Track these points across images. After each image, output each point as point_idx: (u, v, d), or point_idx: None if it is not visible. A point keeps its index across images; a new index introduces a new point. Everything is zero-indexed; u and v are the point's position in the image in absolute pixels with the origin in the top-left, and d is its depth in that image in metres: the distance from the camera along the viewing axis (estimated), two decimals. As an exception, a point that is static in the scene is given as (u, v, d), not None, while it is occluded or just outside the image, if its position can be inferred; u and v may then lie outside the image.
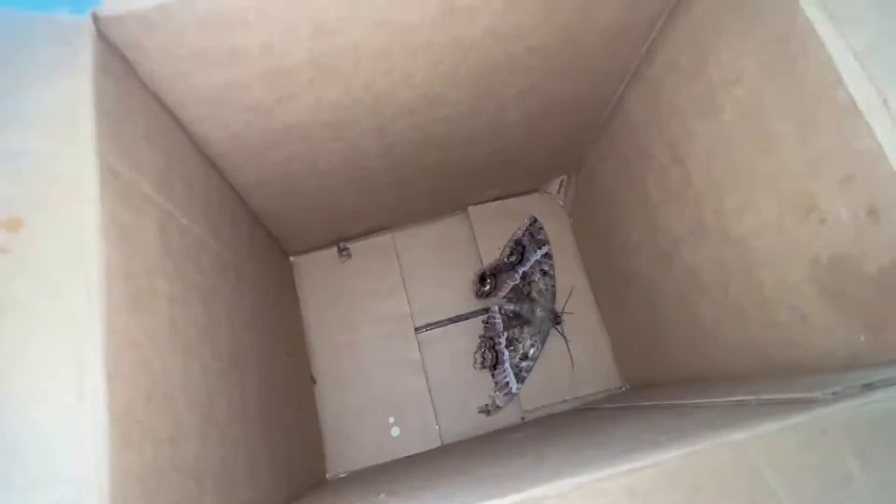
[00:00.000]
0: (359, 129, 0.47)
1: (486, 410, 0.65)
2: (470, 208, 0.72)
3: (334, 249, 0.71)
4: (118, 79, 0.30)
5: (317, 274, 0.70)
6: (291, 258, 0.70)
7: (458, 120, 0.50)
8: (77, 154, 0.25)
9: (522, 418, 0.65)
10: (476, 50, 0.41)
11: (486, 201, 0.73)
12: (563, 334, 0.67)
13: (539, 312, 0.68)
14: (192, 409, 0.29)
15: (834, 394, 0.24)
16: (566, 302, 0.69)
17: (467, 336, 0.69)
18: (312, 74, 0.39)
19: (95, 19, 0.28)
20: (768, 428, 0.22)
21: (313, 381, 0.66)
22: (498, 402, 0.65)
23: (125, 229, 0.27)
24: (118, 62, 0.31)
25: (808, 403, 0.24)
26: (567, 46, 0.44)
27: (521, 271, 0.69)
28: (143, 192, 0.30)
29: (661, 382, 0.59)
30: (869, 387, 0.24)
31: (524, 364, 0.66)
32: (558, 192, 0.73)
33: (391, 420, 0.65)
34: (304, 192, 0.55)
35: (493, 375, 0.66)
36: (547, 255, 0.70)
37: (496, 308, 0.68)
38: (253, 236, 0.52)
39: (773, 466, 0.20)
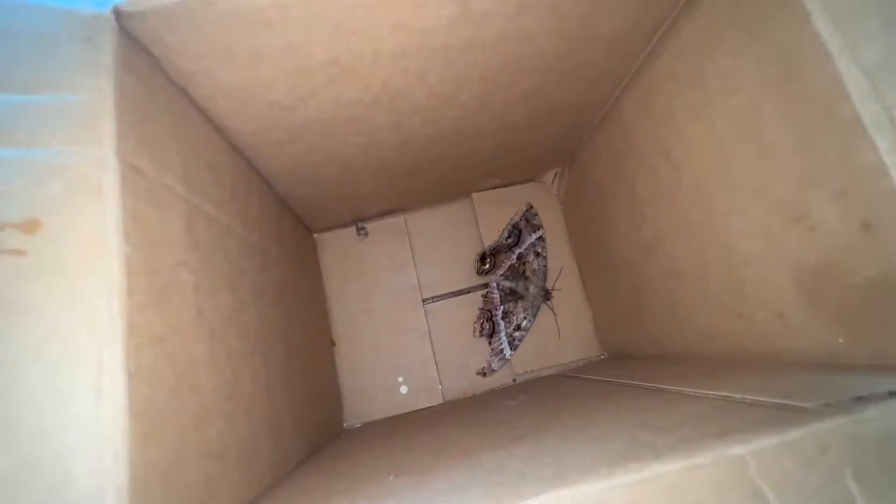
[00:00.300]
0: (376, 124, 0.43)
1: (483, 373, 0.63)
2: (474, 195, 0.68)
3: (353, 228, 0.67)
4: (143, 75, 0.26)
5: (337, 250, 0.67)
6: (315, 235, 0.67)
7: (468, 117, 0.46)
8: (97, 153, 0.21)
9: (514, 380, 0.63)
10: (487, 52, 0.37)
11: (488, 189, 0.69)
12: (552, 309, 0.65)
13: (532, 289, 0.65)
14: (218, 391, 0.27)
15: (826, 405, 0.21)
16: (556, 280, 0.66)
17: (468, 308, 0.66)
18: (332, 73, 0.34)
19: (117, 14, 0.24)
20: (766, 443, 0.19)
21: (333, 343, 0.63)
22: (493, 365, 0.63)
23: (149, 226, 0.23)
24: (142, 58, 0.26)
25: (800, 413, 0.21)
26: (572, 51, 0.40)
27: (517, 252, 0.66)
28: (168, 187, 0.26)
29: (637, 355, 0.56)
30: (861, 400, 0.21)
31: (517, 334, 0.64)
32: (553, 182, 0.69)
33: (400, 379, 0.62)
34: (325, 179, 0.51)
35: (489, 343, 0.64)
36: (541, 239, 0.66)
37: (494, 284, 0.65)
38: (279, 218, 0.49)
39: (776, 488, 0.17)
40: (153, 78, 0.28)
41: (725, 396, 0.27)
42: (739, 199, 0.35)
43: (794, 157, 0.29)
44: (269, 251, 0.42)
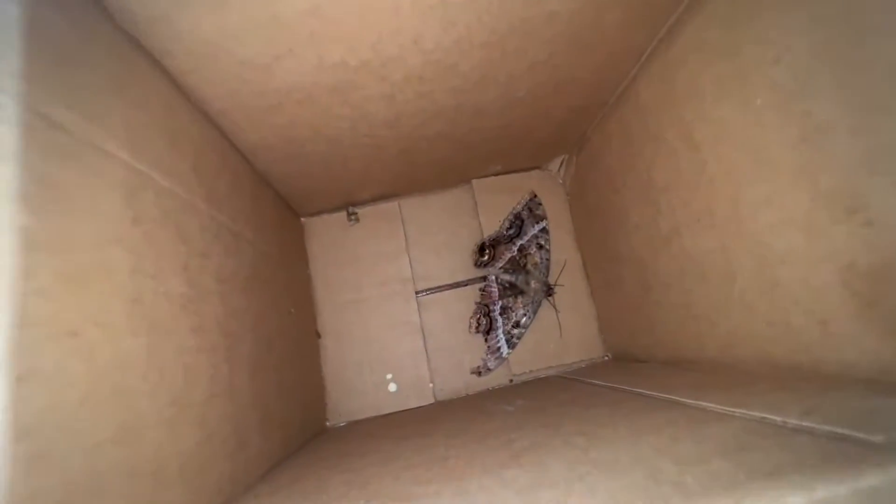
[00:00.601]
0: (365, 94, 0.38)
1: (478, 372, 0.59)
2: (474, 181, 0.64)
3: (343, 213, 0.63)
4: (73, 14, 0.22)
5: (326, 235, 0.62)
6: (302, 219, 0.62)
7: (468, 91, 0.41)
8: (-7, 97, 0.17)
9: (511, 380, 0.59)
10: (492, 12, 0.32)
11: (490, 175, 0.64)
12: (554, 305, 0.60)
13: (533, 284, 0.60)
14: (157, 395, 0.22)
15: (902, 440, 0.17)
16: (559, 275, 0.61)
17: (464, 302, 0.61)
18: (313, 28, 0.30)
19: (32, -70, 0.19)
20: (835, 492, 0.15)
21: (318, 335, 0.59)
22: (489, 364, 0.59)
23: (66, 193, 0.19)
24: (74, -8, 0.22)
25: (870, 450, 0.17)
26: (588, 15, 0.35)
27: (518, 244, 0.62)
28: (102, 149, 0.22)
29: (645, 358, 0.52)
30: (948, 436, 0.17)
31: (516, 331, 0.59)
32: (559, 170, 0.64)
33: (389, 376, 0.58)
34: (311, 156, 0.46)
35: (486, 340, 0.60)
36: (544, 230, 0.62)
37: (493, 277, 0.61)
38: (257, 197, 0.44)
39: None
40: (90, 20, 0.23)
41: (762, 418, 0.23)
42: (777, 188, 0.30)
43: (852, 137, 0.25)
44: (241, 233, 0.38)
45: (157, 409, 0.22)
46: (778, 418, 0.22)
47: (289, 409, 0.43)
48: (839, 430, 0.19)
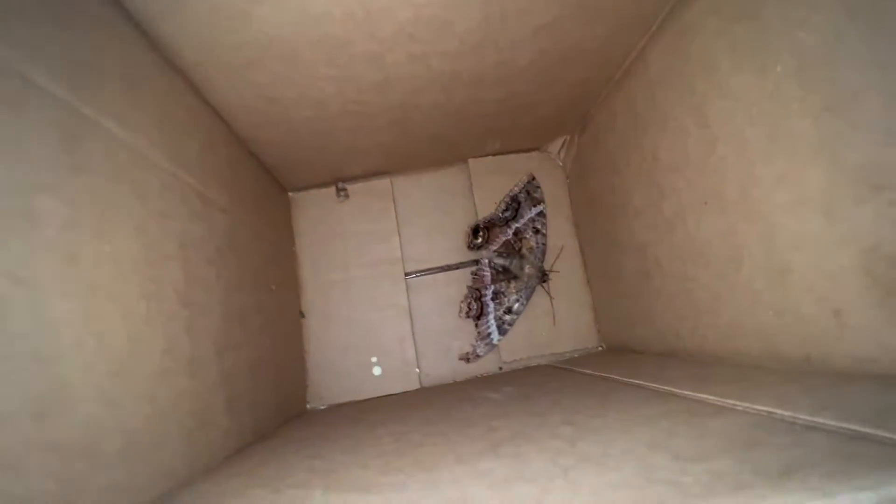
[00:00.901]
0: (351, 53, 0.35)
1: (467, 358, 0.57)
2: (470, 160, 0.61)
3: (332, 188, 0.60)
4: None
5: (313, 211, 0.60)
6: (290, 193, 0.60)
7: (465, 55, 0.38)
8: None
9: (500, 368, 0.57)
10: (491, -38, 0.29)
11: (487, 155, 0.61)
12: (548, 292, 0.58)
13: (528, 269, 0.58)
14: (94, 365, 0.20)
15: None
16: (555, 261, 0.59)
17: (455, 285, 0.59)
18: (290, -32, 0.27)
19: None
20: (860, 499, 0.13)
21: (302, 315, 0.57)
22: (479, 351, 0.57)
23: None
24: None
25: (894, 449, 0.15)
26: (597, -27, 0.32)
27: (514, 227, 0.59)
28: (32, 83, 0.19)
29: (641, 350, 0.50)
30: None
31: (507, 317, 0.57)
32: (559, 152, 0.62)
33: (374, 360, 0.56)
34: (297, 123, 0.44)
35: (476, 325, 0.57)
36: (541, 214, 0.59)
37: (486, 261, 0.59)
38: (235, 164, 0.42)
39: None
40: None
41: (769, 412, 0.21)
42: (793, 165, 0.28)
43: (884, 106, 0.22)
44: (214, 199, 0.35)
45: (92, 381, 0.20)
46: (787, 413, 0.20)
47: (264, 389, 0.41)
48: (858, 428, 0.17)
